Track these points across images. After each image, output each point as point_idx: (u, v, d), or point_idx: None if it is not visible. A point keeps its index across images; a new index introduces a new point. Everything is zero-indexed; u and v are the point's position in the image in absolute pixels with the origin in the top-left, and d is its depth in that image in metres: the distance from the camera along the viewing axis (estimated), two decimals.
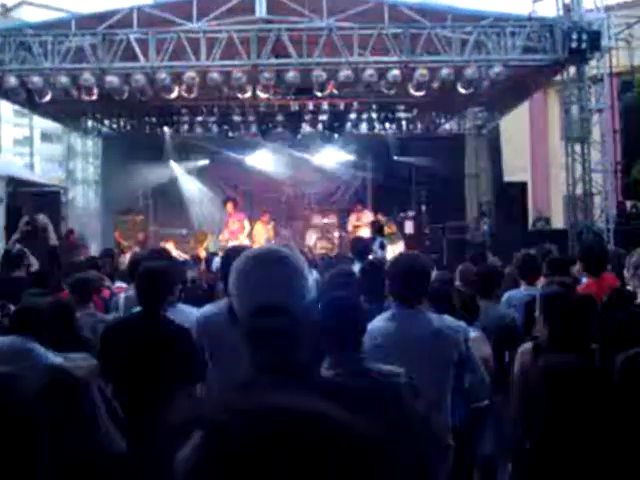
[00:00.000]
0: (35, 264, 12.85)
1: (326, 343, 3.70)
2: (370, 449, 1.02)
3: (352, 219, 20.31)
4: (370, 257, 11.74)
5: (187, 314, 5.82)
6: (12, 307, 5.33)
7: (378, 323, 4.53)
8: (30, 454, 2.35)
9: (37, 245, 13.97)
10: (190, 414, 1.03)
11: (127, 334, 5.30)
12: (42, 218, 15.57)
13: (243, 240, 17.90)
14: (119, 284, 9.05)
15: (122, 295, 8.03)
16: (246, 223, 18.86)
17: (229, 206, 18.94)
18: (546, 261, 7.01)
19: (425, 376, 4.26)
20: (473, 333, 5.48)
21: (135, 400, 4.90)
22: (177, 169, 22.56)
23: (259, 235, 19.49)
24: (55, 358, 4.53)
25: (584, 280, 6.64)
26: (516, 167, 23.11)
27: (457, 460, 4.52)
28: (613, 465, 2.63)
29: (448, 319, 4.53)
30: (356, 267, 7.39)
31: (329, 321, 3.66)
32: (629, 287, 5.73)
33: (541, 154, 26.74)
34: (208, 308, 5.29)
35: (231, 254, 5.83)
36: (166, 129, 21.47)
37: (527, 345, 4.61)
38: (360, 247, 8.95)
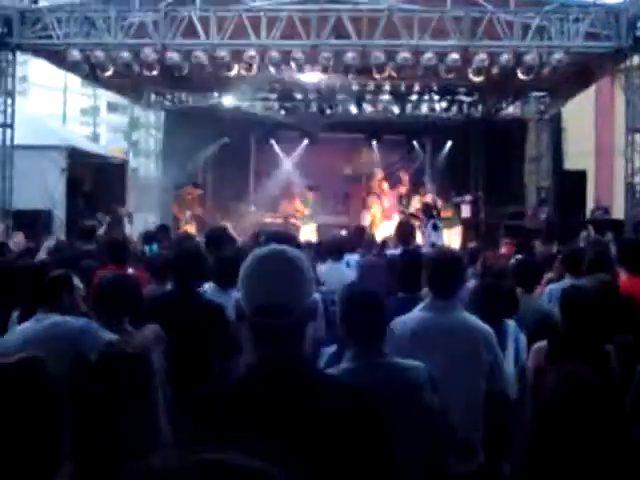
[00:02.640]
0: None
1: (348, 336, 3.78)
2: None
3: (414, 201, 20.25)
4: (419, 242, 11.70)
5: (234, 299, 5.93)
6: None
7: (414, 312, 4.60)
8: (56, 436, 2.47)
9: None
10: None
11: (160, 308, 5.44)
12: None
13: None
14: None
15: None
16: None
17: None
18: (589, 255, 6.92)
19: (456, 367, 4.31)
20: (516, 329, 5.49)
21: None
22: None
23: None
24: (110, 335, 4.62)
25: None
26: (580, 154, 22.75)
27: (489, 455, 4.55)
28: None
29: (477, 320, 4.56)
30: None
31: (350, 314, 3.73)
32: None
33: (606, 142, 26.22)
34: None
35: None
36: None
37: (542, 344, 4.61)
38: (404, 233, 8.94)
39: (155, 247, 10.37)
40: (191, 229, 18.84)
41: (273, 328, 2.22)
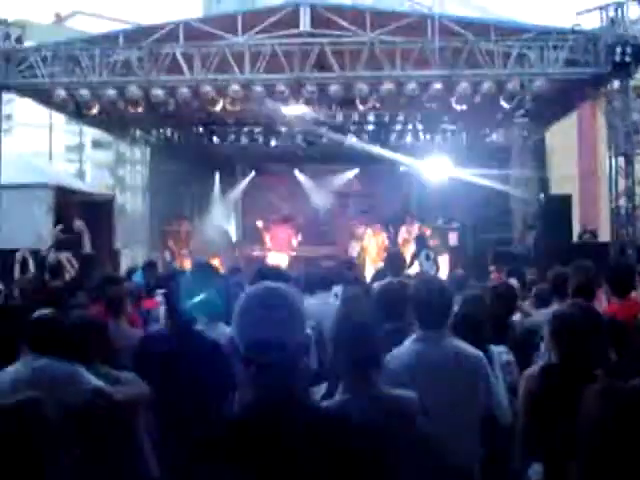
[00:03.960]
0: (72, 270, 13.11)
1: (341, 369, 3.81)
2: None
3: (402, 232, 20.29)
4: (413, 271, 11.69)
5: (222, 333, 5.90)
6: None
7: (405, 345, 4.62)
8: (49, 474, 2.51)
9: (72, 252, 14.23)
10: None
11: (159, 347, 5.43)
12: (78, 225, 15.77)
13: None
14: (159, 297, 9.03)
15: (162, 307, 8.15)
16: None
17: None
18: (574, 280, 6.95)
19: (452, 397, 4.33)
20: (506, 356, 5.51)
21: (167, 415, 5.02)
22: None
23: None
24: (97, 382, 4.60)
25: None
26: (564, 178, 22.92)
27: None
28: None
29: (468, 347, 4.59)
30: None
31: (343, 346, 3.76)
32: None
33: (590, 166, 26.43)
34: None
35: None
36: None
37: (533, 369, 4.62)
38: (394, 263, 8.95)
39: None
40: (187, 264, 18.87)
41: (269, 364, 2.26)
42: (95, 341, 4.90)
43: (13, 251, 14.93)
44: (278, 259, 19.32)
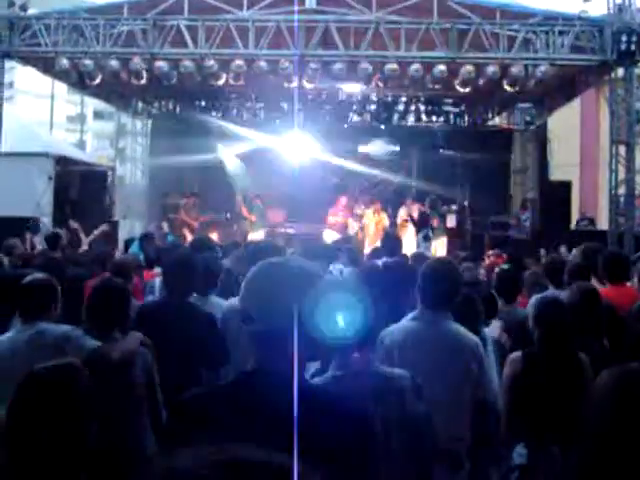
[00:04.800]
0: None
1: (333, 344, 3.82)
2: None
3: (402, 212, 20.25)
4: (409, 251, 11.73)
5: (215, 305, 5.94)
6: None
7: (402, 322, 4.63)
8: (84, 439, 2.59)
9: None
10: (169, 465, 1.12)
11: (154, 318, 5.46)
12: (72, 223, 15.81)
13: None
14: (157, 269, 9.09)
15: (157, 279, 8.21)
16: None
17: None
18: (567, 267, 6.98)
19: (442, 378, 4.35)
20: (495, 323, 5.52)
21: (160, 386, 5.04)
22: (223, 153, 22.76)
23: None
24: (93, 342, 4.60)
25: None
26: (565, 165, 22.90)
27: (474, 465, 4.59)
28: None
29: (465, 330, 4.60)
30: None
31: (335, 323, 3.77)
32: None
33: (591, 153, 26.42)
34: (232, 301, 5.48)
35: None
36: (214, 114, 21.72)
37: (517, 354, 4.64)
38: (390, 243, 8.96)
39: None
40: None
41: (271, 333, 2.28)
42: (117, 307, 4.89)
43: (13, 219, 14.97)
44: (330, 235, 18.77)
